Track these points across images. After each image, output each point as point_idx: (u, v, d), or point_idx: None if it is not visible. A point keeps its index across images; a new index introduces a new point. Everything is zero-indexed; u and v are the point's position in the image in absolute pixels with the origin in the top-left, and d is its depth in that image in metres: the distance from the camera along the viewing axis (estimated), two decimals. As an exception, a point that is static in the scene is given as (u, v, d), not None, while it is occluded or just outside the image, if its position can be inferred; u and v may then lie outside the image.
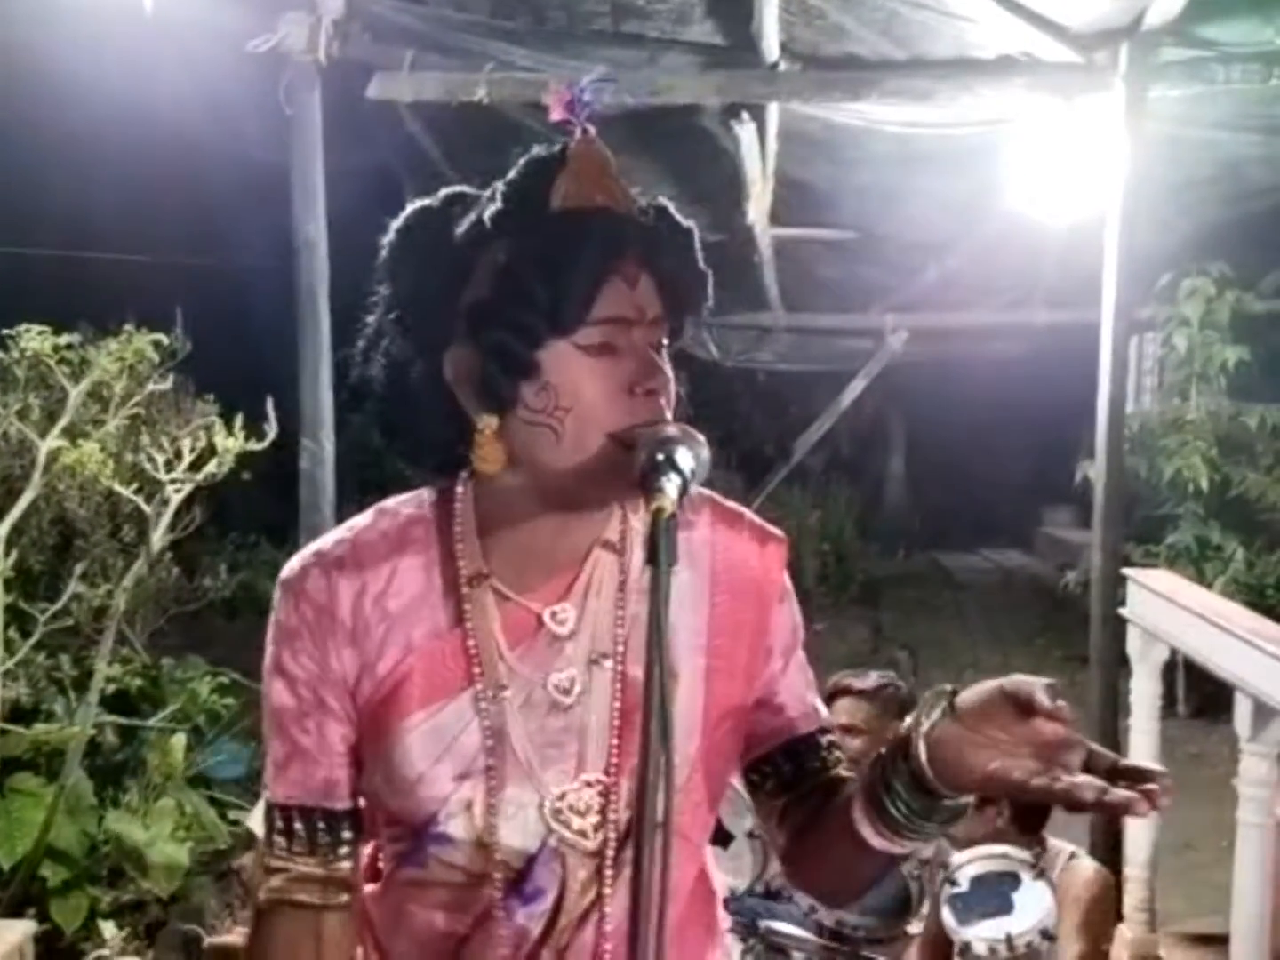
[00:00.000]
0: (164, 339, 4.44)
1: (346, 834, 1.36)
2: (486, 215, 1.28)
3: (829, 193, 6.09)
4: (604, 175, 1.28)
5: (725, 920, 1.52)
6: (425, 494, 1.40)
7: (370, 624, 1.32)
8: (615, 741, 1.31)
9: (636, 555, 1.36)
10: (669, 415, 1.27)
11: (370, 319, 1.38)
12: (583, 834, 1.31)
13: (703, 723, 1.35)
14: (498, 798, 1.30)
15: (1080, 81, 4.50)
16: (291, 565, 1.36)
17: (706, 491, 1.41)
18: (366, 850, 1.43)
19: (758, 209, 5.87)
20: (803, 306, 8.39)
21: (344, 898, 1.37)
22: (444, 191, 1.37)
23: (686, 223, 1.33)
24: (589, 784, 1.31)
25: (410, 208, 1.37)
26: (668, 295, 1.29)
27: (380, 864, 1.42)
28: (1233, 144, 5.43)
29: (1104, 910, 3.09)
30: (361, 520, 1.38)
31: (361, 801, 1.38)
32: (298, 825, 1.35)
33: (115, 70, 5.18)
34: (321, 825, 1.35)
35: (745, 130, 5.00)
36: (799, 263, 7.34)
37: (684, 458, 1.18)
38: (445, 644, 1.31)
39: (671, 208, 1.32)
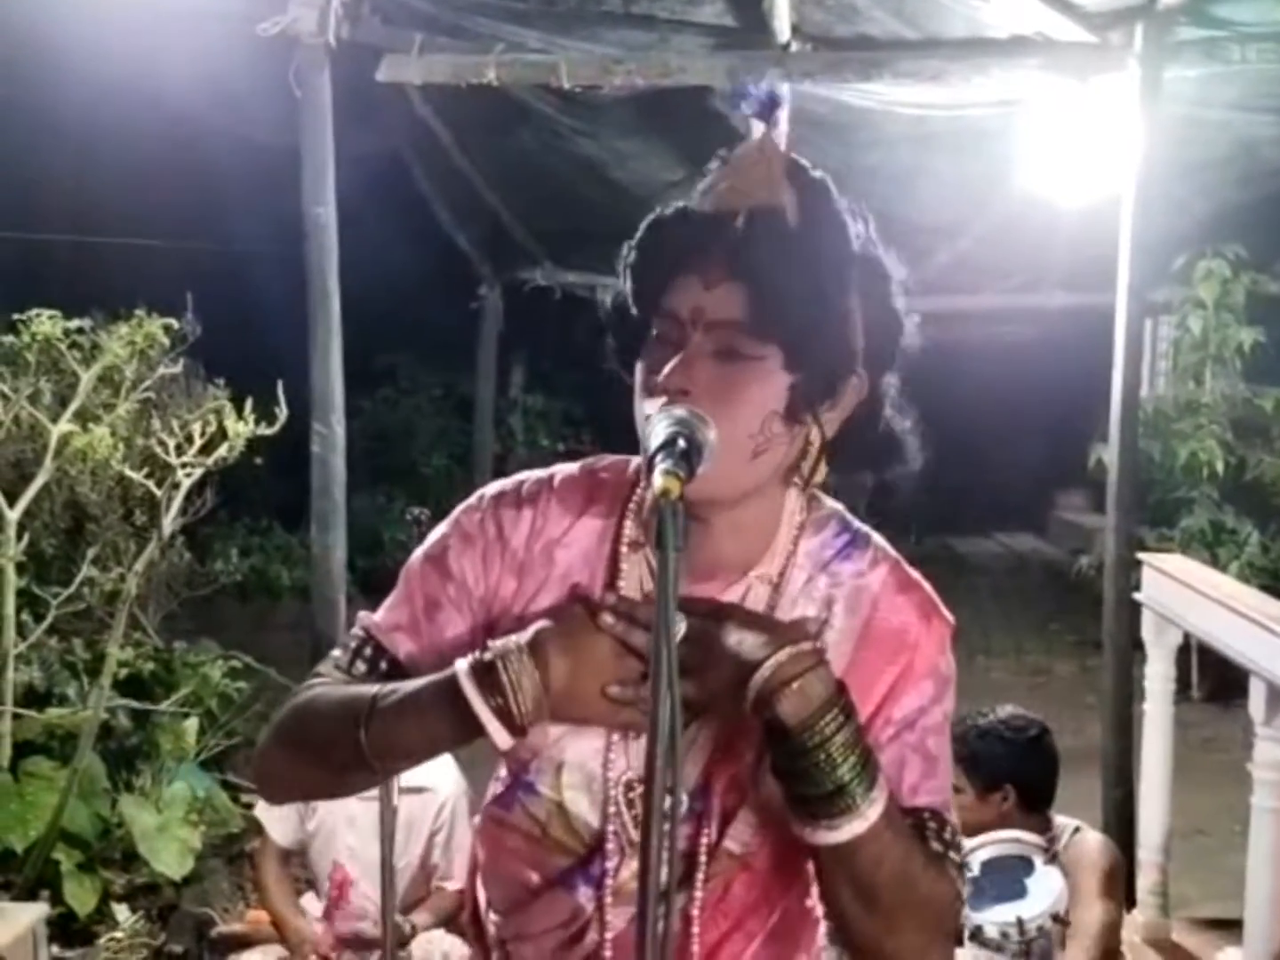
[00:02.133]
0: (174, 323, 4.43)
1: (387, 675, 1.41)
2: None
3: (839, 175, 5.95)
4: (746, 177, 1.28)
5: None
6: (636, 460, 1.43)
7: (537, 564, 1.38)
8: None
9: (792, 587, 1.36)
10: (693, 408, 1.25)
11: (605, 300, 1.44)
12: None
13: None
14: (588, 773, 1.33)
15: (1095, 61, 4.46)
16: (494, 487, 1.44)
17: (893, 553, 1.42)
18: None
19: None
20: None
21: None
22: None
23: (793, 232, 1.27)
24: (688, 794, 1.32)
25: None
26: (759, 304, 1.25)
27: (487, 798, 1.45)
28: (1248, 124, 5.39)
29: (1116, 880, 3.09)
30: (567, 469, 1.45)
31: None
32: (367, 650, 1.42)
33: (124, 54, 5.17)
34: (385, 668, 1.41)
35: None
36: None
37: (689, 440, 1.19)
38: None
39: (791, 216, 1.28)
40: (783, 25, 4.53)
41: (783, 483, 1.37)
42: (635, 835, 1.32)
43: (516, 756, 1.36)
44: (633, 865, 1.32)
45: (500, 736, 1.25)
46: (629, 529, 1.38)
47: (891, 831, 1.25)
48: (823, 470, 1.35)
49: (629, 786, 1.33)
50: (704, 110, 5.19)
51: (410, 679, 1.34)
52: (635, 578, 1.36)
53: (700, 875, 1.32)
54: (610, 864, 1.34)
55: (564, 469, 1.45)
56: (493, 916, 1.45)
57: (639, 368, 1.32)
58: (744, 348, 1.27)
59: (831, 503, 1.44)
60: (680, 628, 1.21)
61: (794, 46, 4.62)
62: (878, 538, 1.43)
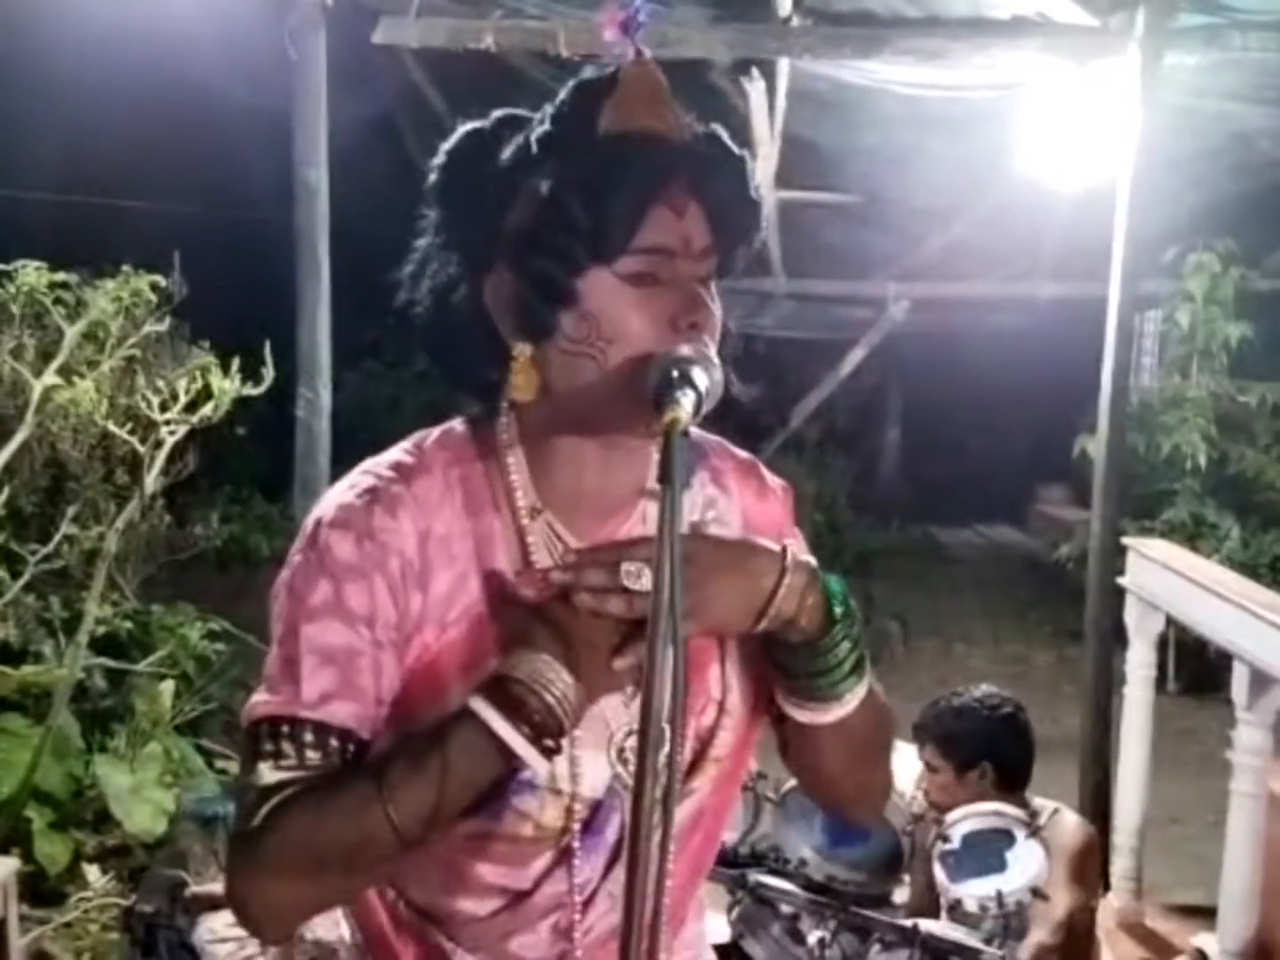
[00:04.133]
0: (162, 280, 4.39)
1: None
2: (533, 138, 1.26)
3: (835, 154, 6.05)
4: (655, 100, 1.24)
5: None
6: (457, 429, 1.36)
7: (436, 565, 1.27)
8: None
9: (654, 501, 1.31)
10: (712, 350, 1.22)
11: (419, 242, 1.35)
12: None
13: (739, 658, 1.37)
14: (572, 738, 1.26)
15: (1095, 45, 4.46)
16: (344, 501, 1.28)
17: (718, 439, 1.44)
18: None
19: (764, 170, 5.82)
20: (805, 273, 8.33)
21: None
22: (495, 113, 1.34)
23: (739, 150, 1.28)
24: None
25: (460, 129, 1.33)
26: (718, 226, 1.25)
27: None
28: (1245, 116, 5.40)
29: (1091, 863, 3.09)
30: (402, 458, 1.32)
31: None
32: (306, 737, 1.24)
33: (116, 12, 5.10)
34: (338, 745, 1.25)
35: (755, 87, 4.96)
36: (803, 227, 7.29)
37: (699, 375, 1.17)
38: (512, 586, 1.27)
39: (724, 135, 1.28)
40: (783, -1, 4.51)
41: None
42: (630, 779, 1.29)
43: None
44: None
45: (539, 764, 1.19)
46: (520, 498, 1.30)
47: (872, 684, 1.33)
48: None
49: (619, 746, 1.31)
50: (702, 83, 5.17)
51: (368, 744, 1.25)
52: (542, 545, 1.29)
53: (676, 788, 1.29)
54: (612, 825, 1.31)
55: (401, 459, 1.32)
56: (455, 931, 1.34)
57: (625, 310, 1.23)
58: (712, 269, 1.27)
59: None
60: (644, 578, 1.18)
61: (795, 21, 4.60)
62: (695, 430, 1.34)
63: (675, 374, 1.16)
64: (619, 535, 1.31)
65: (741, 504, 1.41)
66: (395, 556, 1.25)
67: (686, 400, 1.14)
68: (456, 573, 1.27)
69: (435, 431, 1.36)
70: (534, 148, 1.25)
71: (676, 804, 1.27)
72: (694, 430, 1.28)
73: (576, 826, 1.29)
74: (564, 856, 1.30)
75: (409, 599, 1.25)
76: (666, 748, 1.12)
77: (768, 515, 1.42)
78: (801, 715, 1.31)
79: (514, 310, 1.26)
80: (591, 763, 1.29)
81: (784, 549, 1.26)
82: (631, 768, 1.26)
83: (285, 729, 1.23)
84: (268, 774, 1.22)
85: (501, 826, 1.27)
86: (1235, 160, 5.96)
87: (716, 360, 1.22)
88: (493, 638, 1.25)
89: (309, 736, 1.23)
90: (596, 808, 1.30)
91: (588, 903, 1.31)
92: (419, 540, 1.26)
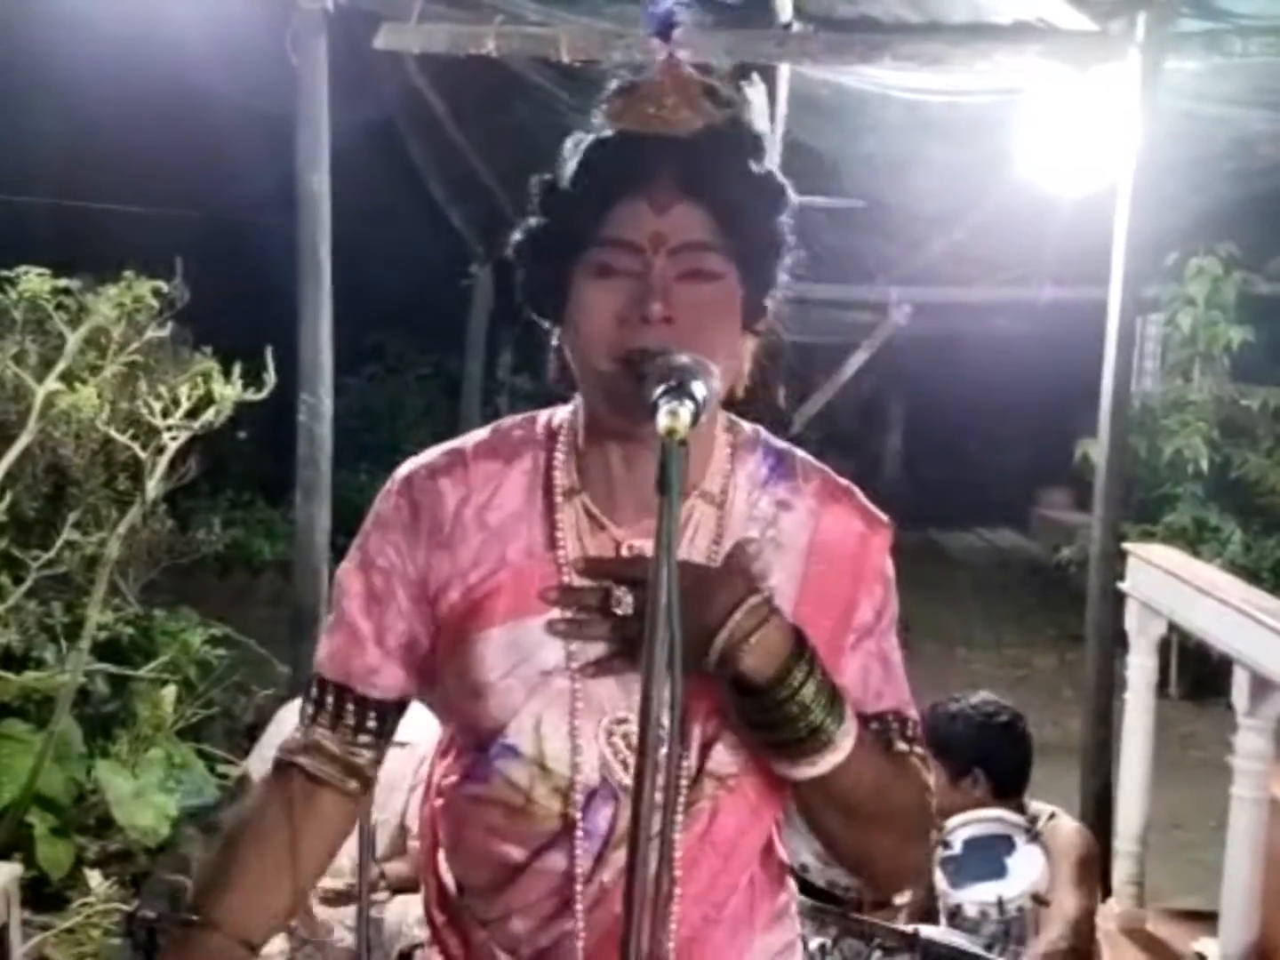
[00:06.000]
0: (164, 286, 4.39)
1: (372, 723, 1.40)
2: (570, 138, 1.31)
3: (836, 160, 6.04)
4: (674, 98, 1.27)
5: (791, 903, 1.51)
6: (542, 414, 1.43)
7: (469, 532, 1.35)
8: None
9: (737, 509, 1.37)
10: (686, 344, 1.24)
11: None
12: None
13: None
14: (568, 723, 1.31)
15: (1096, 50, 4.46)
16: (405, 465, 1.41)
17: (819, 465, 1.44)
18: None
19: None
20: (806, 277, 8.30)
21: (351, 784, 1.41)
22: None
23: (752, 146, 1.30)
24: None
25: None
26: (719, 224, 1.27)
27: (445, 780, 1.43)
28: (1245, 120, 5.40)
29: (1092, 866, 3.09)
30: (477, 434, 1.42)
31: (409, 701, 1.44)
32: (329, 699, 1.41)
33: (118, 16, 5.11)
34: (350, 707, 1.40)
35: (755, 93, 4.95)
36: (802, 231, 7.28)
37: (695, 385, 1.18)
38: (537, 564, 1.33)
39: (740, 131, 1.31)
40: (785, 4, 4.51)
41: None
42: (625, 780, 1.31)
43: (486, 722, 1.33)
44: (626, 814, 1.29)
45: None
46: (559, 478, 1.36)
47: (863, 751, 1.29)
48: (741, 388, 1.38)
49: (609, 731, 1.32)
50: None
51: (365, 698, 1.40)
52: (571, 524, 1.35)
53: (682, 800, 1.32)
54: (604, 815, 1.33)
55: (475, 435, 1.42)
56: (470, 900, 1.41)
57: (587, 303, 1.27)
58: (712, 266, 1.27)
59: (746, 423, 1.45)
60: (628, 601, 1.24)
61: (795, 26, 4.60)
62: (800, 452, 1.44)
63: (672, 383, 1.17)
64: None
65: (814, 529, 1.38)
66: (423, 519, 1.36)
67: (684, 410, 1.14)
68: (486, 540, 1.34)
69: (532, 413, 1.45)
70: (568, 145, 1.31)
71: (678, 812, 1.30)
72: (798, 453, 1.40)
73: (577, 813, 1.32)
74: (560, 838, 1.33)
75: (432, 557, 1.35)
76: (665, 749, 1.13)
77: (844, 547, 1.38)
78: (777, 767, 1.30)
79: (530, 300, 1.34)
80: (588, 749, 1.31)
81: (749, 589, 1.25)
82: (620, 755, 1.31)
83: (318, 686, 1.43)
84: (298, 731, 1.44)
85: (491, 790, 1.34)
86: (1236, 165, 5.95)
87: (714, 368, 1.22)
88: (504, 608, 1.32)
89: (314, 692, 1.42)
90: (591, 794, 1.32)
91: (585, 887, 1.33)
92: (455, 506, 1.35)
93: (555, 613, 1.31)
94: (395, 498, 1.38)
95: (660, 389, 1.16)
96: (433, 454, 1.40)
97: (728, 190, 1.27)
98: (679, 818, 1.31)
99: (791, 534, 1.37)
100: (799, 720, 1.24)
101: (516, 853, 1.34)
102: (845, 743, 1.26)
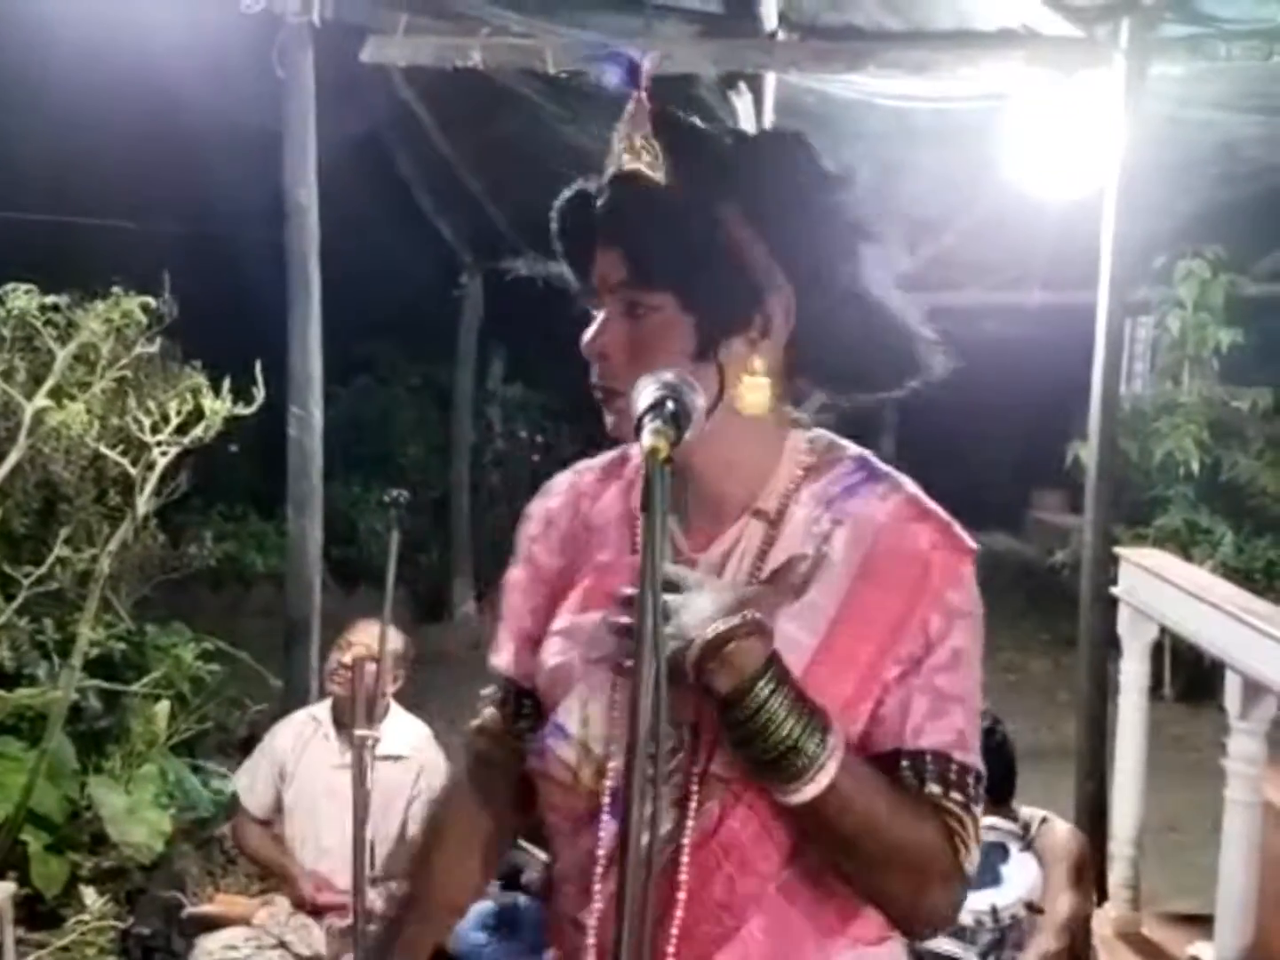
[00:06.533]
0: (152, 302, 4.39)
1: (526, 709, 1.54)
2: None
3: (824, 167, 6.03)
4: (637, 143, 1.33)
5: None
6: None
7: (580, 540, 1.50)
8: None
9: (792, 527, 1.39)
10: (620, 377, 1.34)
11: None
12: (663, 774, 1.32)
13: None
14: (606, 711, 1.38)
15: (1080, 56, 4.47)
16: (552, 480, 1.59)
17: (911, 489, 1.42)
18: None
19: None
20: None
21: (515, 763, 1.52)
22: None
23: (655, 190, 1.34)
24: (678, 725, 1.33)
25: None
26: (636, 261, 1.34)
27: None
28: (1230, 124, 5.41)
29: (1084, 870, 3.08)
30: (604, 454, 1.57)
31: None
32: (495, 687, 1.59)
33: (104, 30, 5.11)
34: (509, 694, 1.56)
35: (742, 101, 4.96)
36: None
37: (674, 402, 1.20)
38: (616, 568, 1.44)
39: (652, 172, 1.34)
40: (770, 13, 4.53)
41: (778, 423, 1.43)
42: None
43: (545, 702, 1.47)
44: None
45: None
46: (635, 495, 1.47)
47: (853, 785, 1.27)
48: (764, 398, 1.36)
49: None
50: (690, 98, 5.17)
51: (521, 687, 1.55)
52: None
53: (692, 804, 1.33)
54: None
55: (606, 454, 1.57)
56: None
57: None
58: (642, 300, 1.35)
59: (857, 448, 1.47)
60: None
61: (781, 35, 4.61)
62: (901, 478, 1.43)
63: (651, 401, 1.20)
64: (717, 548, 1.41)
65: (870, 548, 1.35)
66: (553, 526, 1.54)
67: (664, 429, 1.16)
68: (589, 543, 1.49)
69: None
70: None
71: (690, 817, 1.33)
72: (892, 475, 1.41)
73: (606, 797, 1.37)
74: (595, 818, 1.38)
75: (557, 558, 1.52)
76: (662, 748, 1.16)
77: (902, 571, 1.35)
78: (771, 791, 1.30)
79: None
80: (622, 738, 1.31)
81: (738, 604, 1.27)
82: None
83: (498, 685, 1.60)
84: (479, 720, 1.62)
85: (547, 766, 1.42)
86: (1223, 168, 5.97)
87: (696, 385, 1.25)
88: (580, 600, 1.46)
89: (499, 694, 1.59)
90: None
91: (607, 868, 1.37)
92: (570, 515, 1.53)
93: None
94: (543, 505, 1.56)
95: (645, 407, 1.19)
96: (571, 469, 1.58)
97: (634, 231, 1.33)
98: (690, 822, 1.33)
99: (844, 552, 1.36)
100: (767, 739, 1.24)
101: (565, 826, 1.43)
102: (821, 775, 1.24)
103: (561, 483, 1.57)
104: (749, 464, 1.40)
